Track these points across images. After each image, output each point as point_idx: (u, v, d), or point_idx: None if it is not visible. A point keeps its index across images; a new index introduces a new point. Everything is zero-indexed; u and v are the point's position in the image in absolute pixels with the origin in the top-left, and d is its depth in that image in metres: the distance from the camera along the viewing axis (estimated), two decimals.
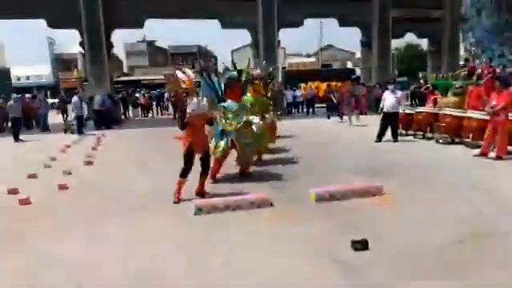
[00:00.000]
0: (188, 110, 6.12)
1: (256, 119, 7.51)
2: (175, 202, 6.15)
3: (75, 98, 17.39)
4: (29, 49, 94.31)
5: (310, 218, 5.29)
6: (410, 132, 12.47)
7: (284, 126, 12.86)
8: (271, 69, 11.66)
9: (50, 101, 26.36)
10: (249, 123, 7.45)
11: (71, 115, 16.87)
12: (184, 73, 6.40)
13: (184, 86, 6.26)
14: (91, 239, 4.88)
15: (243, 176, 7.73)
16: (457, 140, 10.74)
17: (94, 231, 5.13)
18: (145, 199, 6.48)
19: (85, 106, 18.74)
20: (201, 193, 6.42)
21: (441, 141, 11.02)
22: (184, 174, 6.23)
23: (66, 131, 16.96)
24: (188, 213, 5.59)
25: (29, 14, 20.58)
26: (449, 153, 9.81)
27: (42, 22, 21.01)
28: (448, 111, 10.97)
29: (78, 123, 16.73)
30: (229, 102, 7.56)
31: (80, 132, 16.33)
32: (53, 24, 21.03)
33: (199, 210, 5.59)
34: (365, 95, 20.83)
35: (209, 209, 5.63)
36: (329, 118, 18.84)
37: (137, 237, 4.91)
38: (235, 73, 8.27)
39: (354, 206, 5.67)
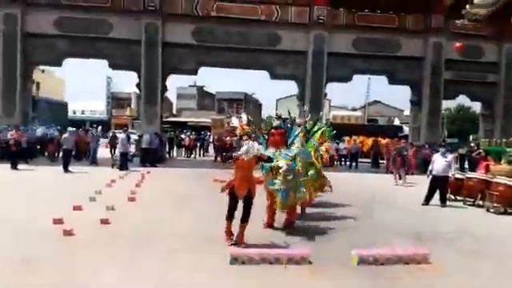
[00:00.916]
0: (242, 150, 6.28)
1: (282, 163, 7.12)
2: (231, 244, 6.18)
3: (123, 135, 18.03)
4: (87, 85, 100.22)
5: (349, 282, 5.07)
6: (459, 197, 11.92)
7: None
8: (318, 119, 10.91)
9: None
10: (276, 168, 7.17)
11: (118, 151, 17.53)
12: (237, 119, 6.70)
13: (238, 131, 6.49)
14: (127, 277, 4.89)
15: (287, 228, 7.61)
16: (510, 210, 10.16)
17: (130, 269, 5.16)
18: (183, 241, 6.48)
19: (132, 143, 19.37)
20: (240, 241, 6.32)
21: (492, 210, 10.46)
22: (228, 215, 6.32)
23: (113, 166, 17.51)
24: (223, 261, 5.51)
25: (94, 55, 21.99)
26: (501, 224, 9.27)
27: (102, 62, 22.35)
28: (501, 179, 10.48)
29: (123, 159, 17.24)
30: (267, 151, 7.53)
31: (123, 168, 16.73)
32: (114, 65, 22.27)
33: (234, 260, 5.51)
34: (414, 155, 20.15)
35: (244, 259, 5.53)
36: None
37: (170, 279, 4.88)
38: (277, 122, 8.29)
39: (397, 273, 5.38)
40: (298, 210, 8.57)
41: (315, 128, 9.42)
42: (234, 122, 7.09)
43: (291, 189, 7.29)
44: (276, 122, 8.19)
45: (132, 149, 20.25)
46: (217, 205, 8.14)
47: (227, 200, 6.47)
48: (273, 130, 7.80)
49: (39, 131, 21.03)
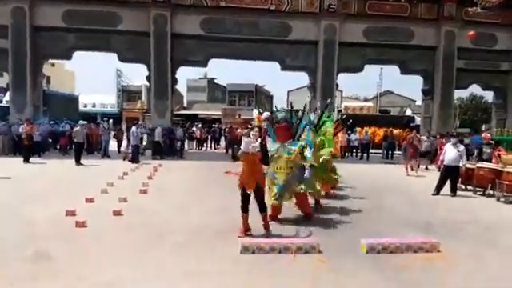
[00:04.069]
0: (241, 148, 6.34)
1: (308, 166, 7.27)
2: (239, 236, 6.20)
3: (133, 128, 18.13)
4: (97, 78, 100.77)
5: (358, 269, 5.10)
6: (469, 187, 11.84)
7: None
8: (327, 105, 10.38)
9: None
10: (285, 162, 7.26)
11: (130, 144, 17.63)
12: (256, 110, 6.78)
13: (254, 122, 6.58)
14: (140, 268, 4.96)
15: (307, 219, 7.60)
16: None
17: (143, 260, 5.23)
18: (194, 232, 6.55)
19: (143, 137, 19.40)
20: (267, 229, 6.50)
21: (502, 199, 10.37)
22: (242, 208, 6.38)
23: (124, 159, 17.67)
24: (234, 250, 5.57)
25: (103, 48, 22.12)
26: (511, 213, 9.19)
27: (112, 55, 22.41)
28: None
29: (135, 152, 17.36)
30: (272, 144, 7.53)
31: (135, 161, 16.84)
32: (124, 59, 22.37)
33: (245, 249, 5.57)
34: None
35: (254, 249, 5.59)
36: None
37: (182, 268, 4.96)
38: (281, 114, 8.18)
39: (406, 262, 5.39)
40: (311, 201, 8.39)
41: (324, 118, 9.29)
42: (254, 112, 7.16)
43: (289, 183, 7.27)
44: (280, 115, 8.09)
45: (144, 142, 20.31)
46: (228, 197, 8.21)
47: (240, 194, 6.50)
48: (276, 125, 7.69)
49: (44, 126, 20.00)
